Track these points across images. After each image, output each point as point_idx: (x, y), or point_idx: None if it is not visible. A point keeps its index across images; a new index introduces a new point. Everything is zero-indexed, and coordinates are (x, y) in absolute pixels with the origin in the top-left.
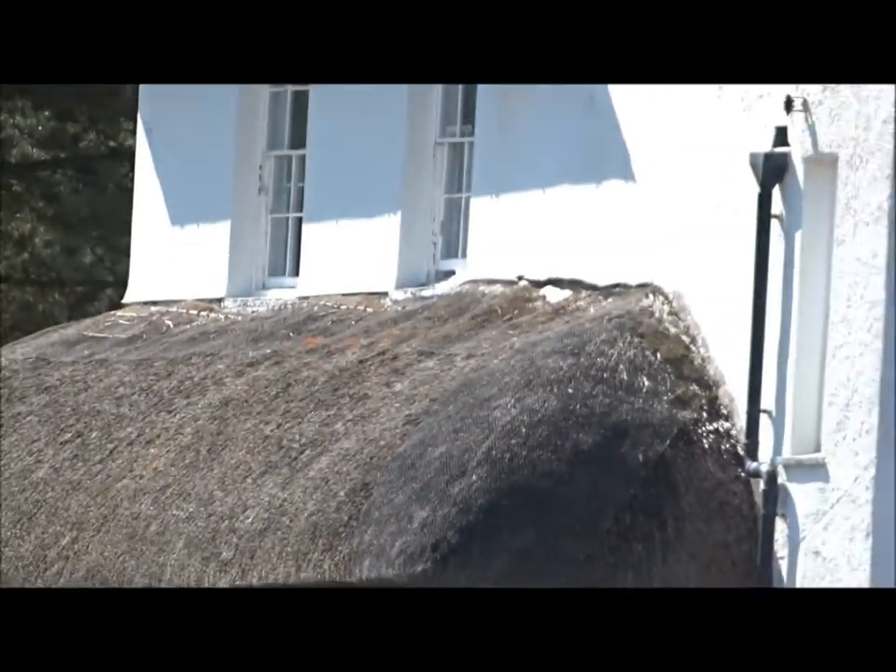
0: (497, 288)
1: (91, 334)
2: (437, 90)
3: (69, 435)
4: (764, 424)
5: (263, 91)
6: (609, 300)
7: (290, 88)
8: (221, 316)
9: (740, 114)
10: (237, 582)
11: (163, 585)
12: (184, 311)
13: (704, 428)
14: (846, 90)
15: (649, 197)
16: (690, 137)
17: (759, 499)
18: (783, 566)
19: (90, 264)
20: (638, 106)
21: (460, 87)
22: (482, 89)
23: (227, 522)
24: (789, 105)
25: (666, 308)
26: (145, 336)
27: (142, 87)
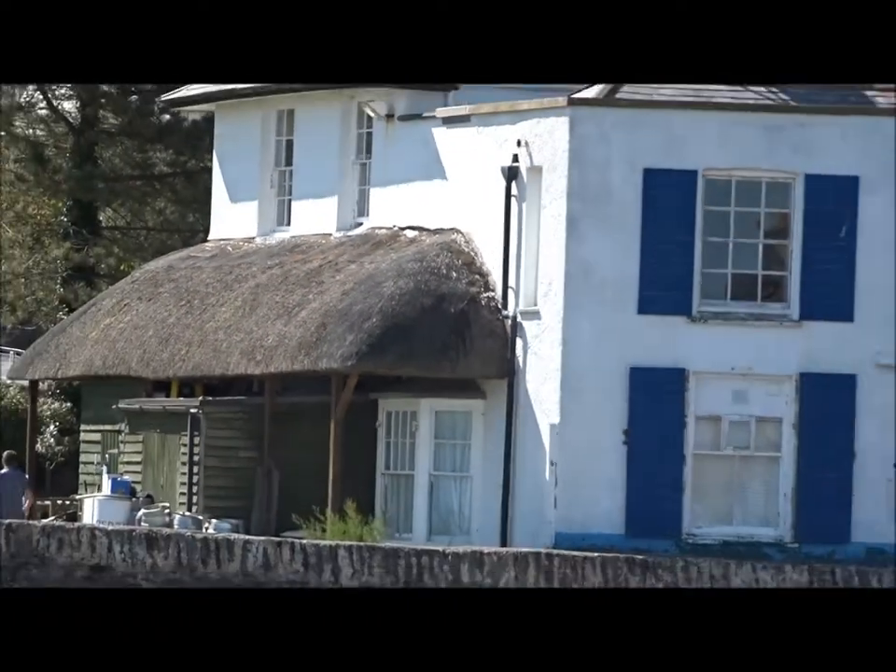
0: (383, 231)
1: (193, 254)
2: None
3: (183, 301)
4: (510, 294)
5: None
6: (436, 236)
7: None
8: (253, 245)
9: (497, 146)
10: (264, 370)
11: (229, 373)
12: (235, 243)
13: (482, 296)
14: (556, 132)
15: (458, 190)
16: (471, 159)
17: (509, 329)
18: (521, 359)
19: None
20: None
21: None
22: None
23: (259, 341)
24: (519, 142)
25: (463, 239)
26: (218, 255)
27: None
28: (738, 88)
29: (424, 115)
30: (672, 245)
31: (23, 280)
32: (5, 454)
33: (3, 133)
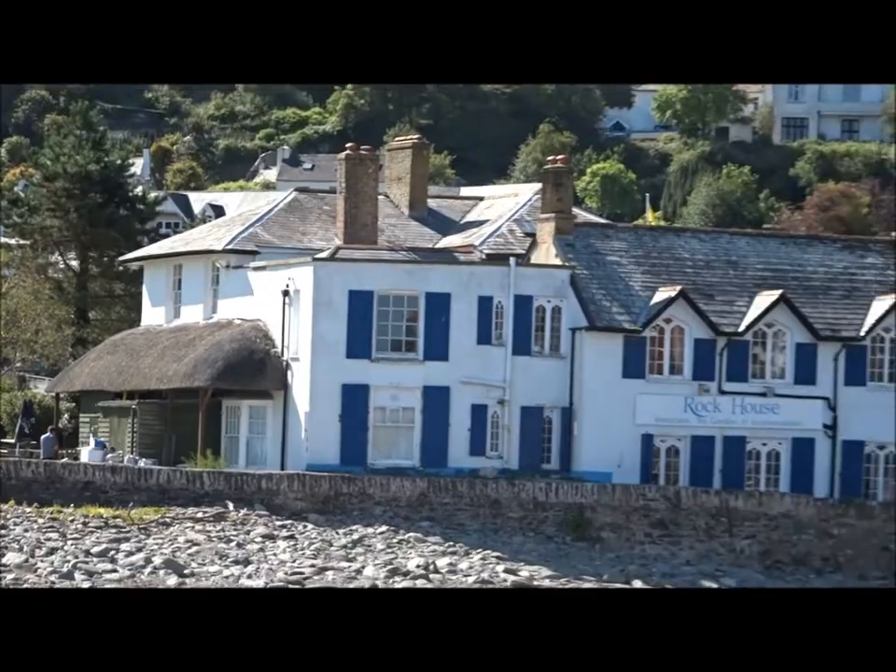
0: (224, 321)
1: (133, 332)
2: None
3: (130, 352)
4: (285, 350)
5: None
6: (250, 323)
7: None
8: (163, 327)
9: (280, 280)
10: (168, 387)
11: (151, 388)
12: (154, 326)
13: (272, 351)
14: (306, 274)
15: (261, 301)
16: (266, 287)
17: (284, 366)
18: (291, 380)
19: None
20: None
21: None
22: None
23: (165, 372)
24: (289, 278)
25: (263, 324)
26: (146, 332)
27: None
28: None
29: (244, 266)
30: (359, 326)
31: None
32: (48, 428)
33: None
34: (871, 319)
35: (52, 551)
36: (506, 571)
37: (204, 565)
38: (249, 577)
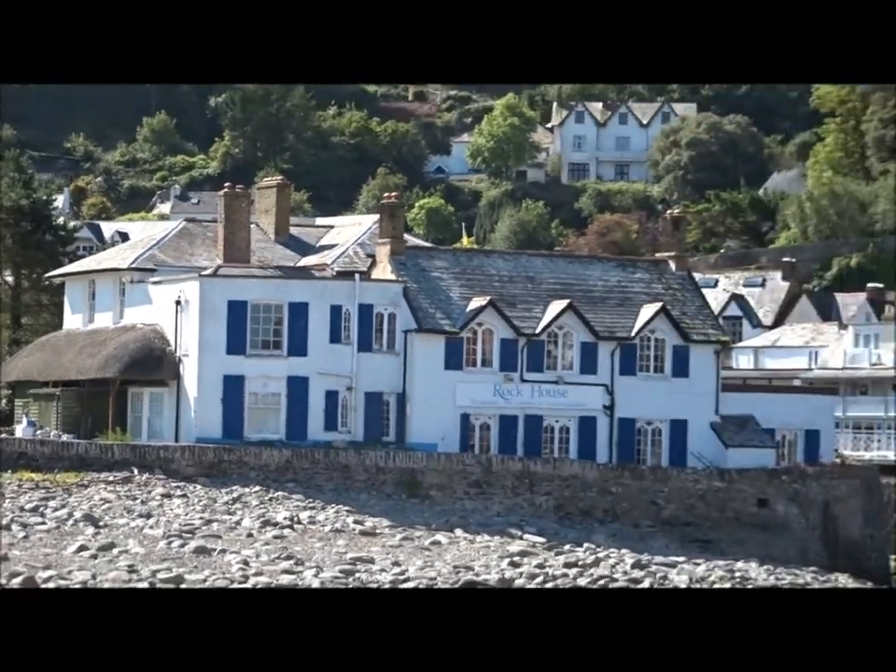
0: (129, 325)
1: (56, 335)
2: None
3: (55, 350)
4: (179, 347)
5: None
6: (150, 327)
7: None
8: (80, 331)
9: (173, 292)
10: (85, 377)
11: (71, 378)
12: (74, 330)
13: (167, 349)
14: (194, 287)
15: (158, 309)
16: (163, 297)
17: (178, 361)
18: (182, 370)
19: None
20: None
21: None
22: None
23: (83, 365)
24: (181, 290)
25: (160, 327)
26: (68, 334)
27: None
28: None
29: (145, 281)
30: (237, 328)
31: None
32: None
33: None
34: (639, 323)
35: None
36: (354, 522)
37: (115, 518)
38: (151, 528)
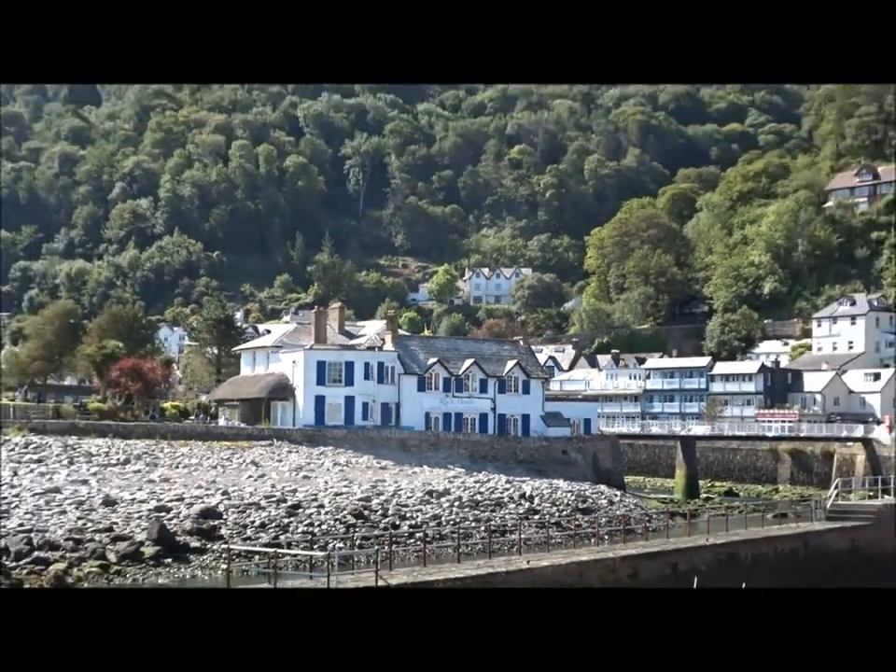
0: None
1: None
2: None
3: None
4: None
5: None
6: (275, 375)
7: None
8: None
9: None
10: None
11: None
12: None
13: None
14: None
15: None
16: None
17: None
18: None
19: None
20: None
21: None
22: None
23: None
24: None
25: (284, 374)
26: None
27: None
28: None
29: (278, 352)
30: (319, 374)
31: None
32: None
33: None
34: (506, 369)
35: None
36: (377, 463)
37: (265, 462)
38: (282, 467)
